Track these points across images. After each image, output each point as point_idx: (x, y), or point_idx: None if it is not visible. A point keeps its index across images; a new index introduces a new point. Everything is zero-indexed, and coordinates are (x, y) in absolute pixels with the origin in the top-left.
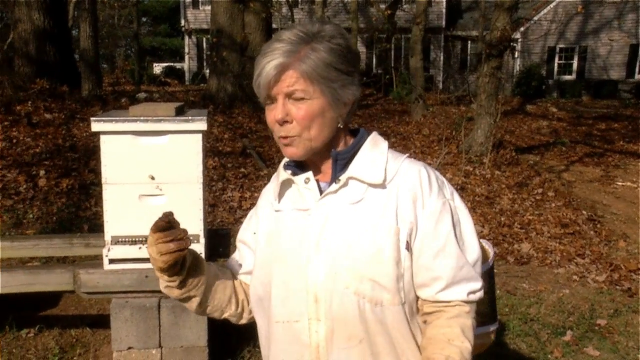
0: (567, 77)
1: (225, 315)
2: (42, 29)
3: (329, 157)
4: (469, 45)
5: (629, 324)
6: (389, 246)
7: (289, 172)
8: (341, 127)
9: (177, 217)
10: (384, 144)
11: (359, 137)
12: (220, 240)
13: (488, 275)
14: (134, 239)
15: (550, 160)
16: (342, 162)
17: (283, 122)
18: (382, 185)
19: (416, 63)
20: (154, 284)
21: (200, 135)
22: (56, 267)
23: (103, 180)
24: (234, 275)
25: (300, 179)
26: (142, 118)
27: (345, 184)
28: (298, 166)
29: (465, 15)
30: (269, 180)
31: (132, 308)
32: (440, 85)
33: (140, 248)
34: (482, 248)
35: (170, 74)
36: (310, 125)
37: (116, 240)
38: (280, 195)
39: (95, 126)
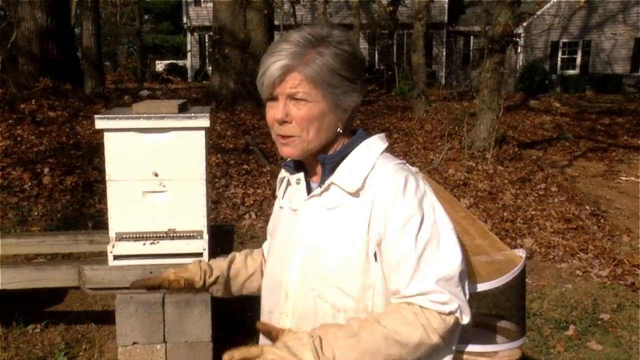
0: (571, 72)
1: (254, 289)
2: (45, 27)
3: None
4: (472, 40)
5: (632, 318)
6: (357, 255)
7: (285, 170)
8: (340, 131)
9: (180, 213)
10: (378, 148)
11: (351, 141)
12: (224, 237)
13: (518, 285)
14: (138, 235)
15: (554, 156)
16: (330, 166)
17: (282, 122)
18: (356, 194)
19: (418, 59)
20: None
21: (203, 132)
22: (61, 263)
23: (107, 177)
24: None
25: (293, 178)
26: (145, 115)
27: (327, 189)
28: (296, 166)
29: (468, 11)
30: (272, 176)
31: (136, 304)
32: (443, 81)
33: (144, 244)
34: (509, 256)
35: (173, 71)
36: (308, 127)
37: (120, 237)
38: (284, 192)
39: (99, 123)
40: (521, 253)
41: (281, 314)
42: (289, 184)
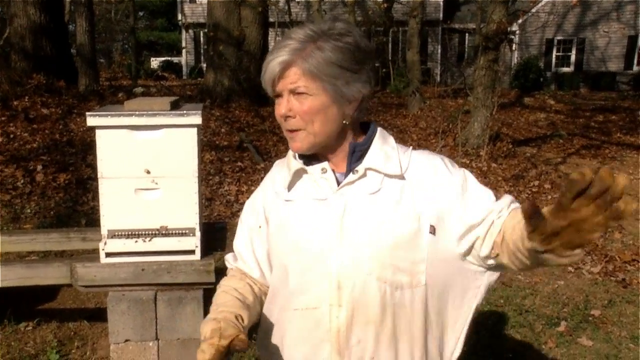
0: (565, 69)
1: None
2: (38, 23)
3: (340, 150)
4: (467, 38)
5: (622, 314)
6: (409, 232)
7: (302, 162)
8: (346, 123)
9: (172, 210)
10: (390, 138)
11: (371, 130)
12: (217, 234)
13: None
14: (130, 233)
15: (547, 153)
16: (358, 154)
17: (287, 117)
18: (401, 176)
19: (413, 56)
20: (150, 277)
21: (195, 129)
22: (53, 261)
23: (99, 175)
24: (251, 283)
25: (315, 169)
26: (137, 112)
27: (363, 175)
28: (307, 157)
29: (463, 8)
30: (266, 173)
31: (128, 301)
32: (438, 78)
33: (136, 242)
34: None
35: (168, 68)
36: (312, 119)
37: (112, 234)
38: (291, 185)
39: (91, 121)
40: None
41: (332, 306)
42: (299, 176)
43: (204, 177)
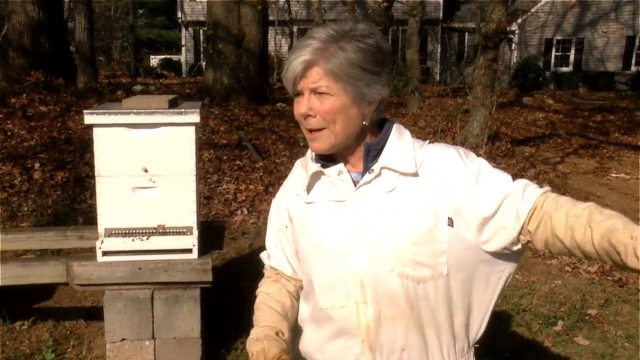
0: (564, 69)
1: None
2: (37, 20)
3: (357, 150)
4: (466, 37)
5: (619, 313)
6: (428, 226)
7: (319, 164)
8: (366, 124)
9: (170, 209)
10: (407, 133)
11: (386, 128)
12: (214, 233)
13: None
14: (127, 231)
15: (546, 152)
16: (373, 154)
17: (307, 116)
18: (415, 174)
19: (412, 55)
20: (147, 276)
21: (193, 128)
22: (50, 259)
23: (96, 173)
24: (287, 287)
25: (332, 171)
26: (135, 110)
27: (378, 174)
28: (325, 158)
29: (463, 7)
30: (264, 172)
31: (125, 300)
32: (438, 77)
33: (133, 240)
34: None
35: (168, 66)
36: (333, 119)
37: (109, 233)
38: (310, 187)
39: (89, 119)
40: None
41: (358, 304)
42: (317, 177)
43: (203, 176)
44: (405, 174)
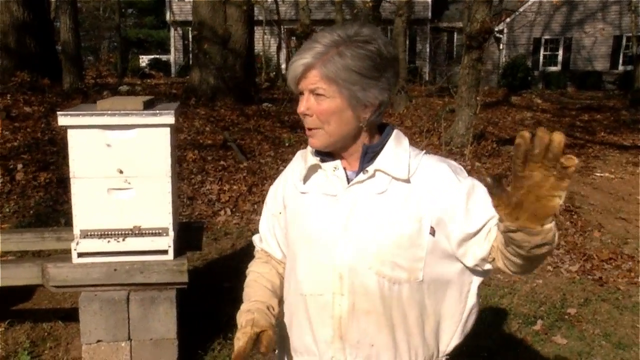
0: (553, 69)
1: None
2: (22, 21)
3: (355, 150)
4: (455, 36)
5: (597, 312)
6: (411, 232)
7: (318, 158)
8: (362, 126)
9: (145, 210)
10: (405, 140)
11: (385, 132)
12: (193, 234)
13: None
14: (102, 233)
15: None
16: (370, 155)
17: (304, 115)
18: (407, 180)
19: (399, 55)
20: (122, 277)
21: (168, 129)
22: (25, 261)
23: (71, 175)
24: (275, 265)
25: (329, 166)
26: (109, 112)
27: (372, 175)
28: (324, 153)
29: (452, 7)
30: (248, 172)
31: (100, 301)
32: (427, 77)
33: (109, 242)
34: None
35: (157, 66)
36: (328, 120)
37: (85, 234)
38: (306, 178)
39: (62, 120)
40: None
41: (335, 294)
42: (314, 170)
43: (186, 176)
44: (397, 179)
